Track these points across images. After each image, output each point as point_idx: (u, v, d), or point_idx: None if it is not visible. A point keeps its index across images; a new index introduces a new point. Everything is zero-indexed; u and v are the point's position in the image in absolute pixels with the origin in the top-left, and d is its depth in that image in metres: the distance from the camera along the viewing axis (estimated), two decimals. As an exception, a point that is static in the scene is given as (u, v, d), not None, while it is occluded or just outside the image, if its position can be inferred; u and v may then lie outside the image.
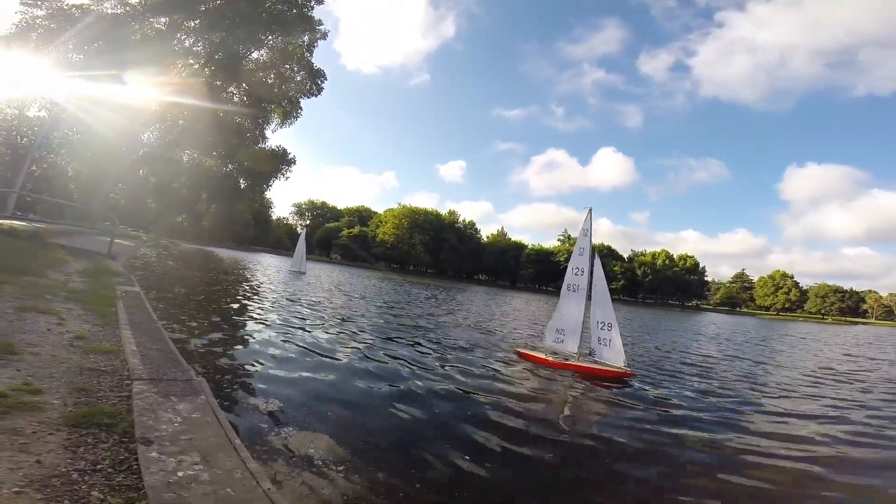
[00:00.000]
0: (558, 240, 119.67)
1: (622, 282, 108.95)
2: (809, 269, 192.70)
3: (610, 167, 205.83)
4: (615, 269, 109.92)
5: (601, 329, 10.47)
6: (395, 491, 3.89)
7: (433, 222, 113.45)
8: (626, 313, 43.36)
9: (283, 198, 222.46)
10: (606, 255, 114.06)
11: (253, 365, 7.05)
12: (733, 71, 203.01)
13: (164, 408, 3.31)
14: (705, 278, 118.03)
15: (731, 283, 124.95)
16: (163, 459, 2.58)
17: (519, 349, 11.44)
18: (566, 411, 7.43)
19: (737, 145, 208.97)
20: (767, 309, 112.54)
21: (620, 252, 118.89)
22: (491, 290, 72.00)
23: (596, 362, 10.22)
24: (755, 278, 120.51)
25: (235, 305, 13.49)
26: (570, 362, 10.38)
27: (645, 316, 45.53)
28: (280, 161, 35.57)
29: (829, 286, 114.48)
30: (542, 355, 10.68)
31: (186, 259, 31.44)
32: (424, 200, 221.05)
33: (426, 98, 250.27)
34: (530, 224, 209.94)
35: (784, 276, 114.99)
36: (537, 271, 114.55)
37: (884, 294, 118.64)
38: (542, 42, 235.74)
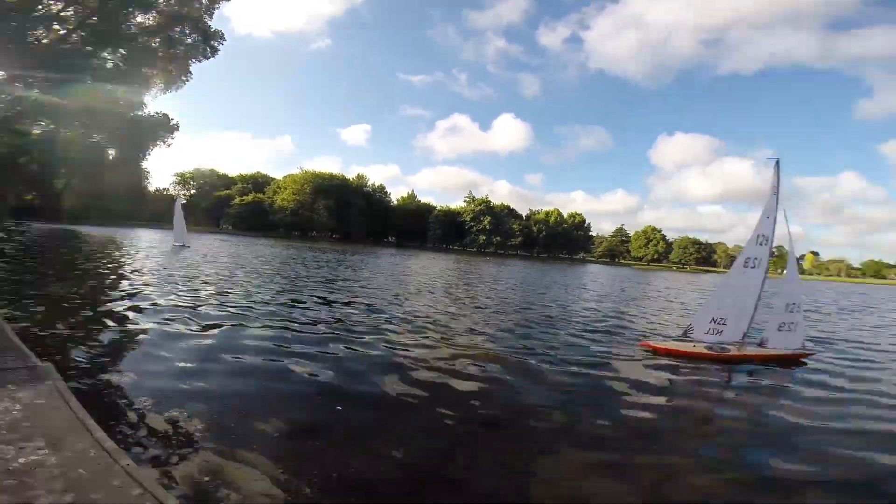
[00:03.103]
0: (464, 200, 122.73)
1: (520, 238, 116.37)
2: (673, 225, 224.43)
3: (509, 132, 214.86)
4: (514, 227, 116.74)
5: (789, 311, 8.79)
6: (269, 473, 3.70)
7: (339, 186, 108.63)
8: (540, 269, 47.08)
9: (166, 167, 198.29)
10: (506, 214, 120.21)
11: (115, 345, 6.93)
12: (622, 46, 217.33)
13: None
14: (590, 234, 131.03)
15: (611, 237, 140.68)
16: (0, 449, 2.53)
17: (647, 342, 9.33)
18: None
19: (619, 115, 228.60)
20: (640, 259, 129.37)
21: (519, 211, 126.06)
22: (405, 252, 72.22)
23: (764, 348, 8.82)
24: (631, 233, 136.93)
25: (100, 286, 12.61)
26: (734, 352, 8.73)
27: (555, 271, 49.52)
28: (160, 128, 31.06)
29: (689, 239, 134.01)
30: (686, 348, 8.80)
31: (39, 241, 29.06)
32: (326, 164, 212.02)
33: (327, 63, 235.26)
34: (436, 186, 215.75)
35: (654, 230, 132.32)
36: (444, 232, 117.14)
37: (730, 246, 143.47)
38: (449, 8, 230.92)
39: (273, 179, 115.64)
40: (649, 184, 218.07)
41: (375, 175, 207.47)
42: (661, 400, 6.66)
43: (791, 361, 8.83)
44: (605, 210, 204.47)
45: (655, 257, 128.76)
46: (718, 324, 8.88)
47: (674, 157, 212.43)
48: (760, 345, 8.96)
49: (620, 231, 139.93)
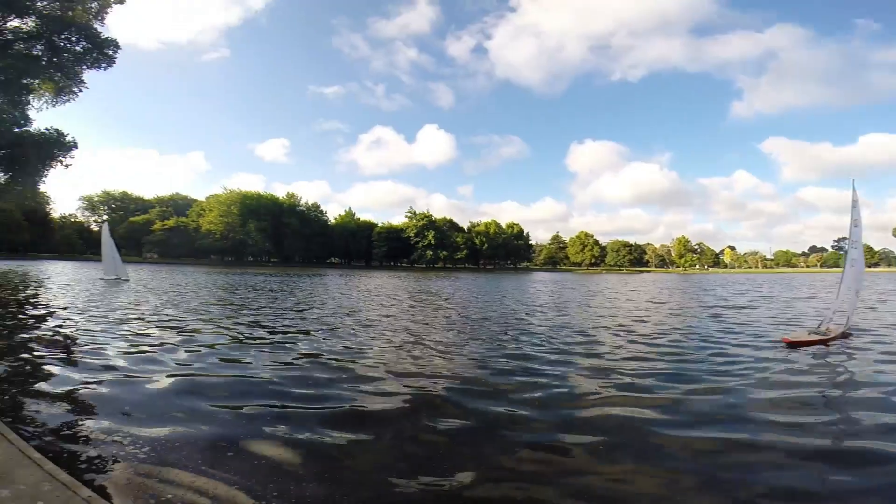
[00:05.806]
0: (406, 216, 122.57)
1: (465, 251, 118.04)
2: (601, 229, 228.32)
3: (434, 144, 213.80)
4: (458, 240, 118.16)
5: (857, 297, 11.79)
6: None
7: (269, 207, 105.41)
8: (507, 281, 46.47)
9: (67, 191, 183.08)
10: (449, 227, 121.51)
11: (65, 386, 5.90)
12: (522, 54, 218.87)
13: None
14: (529, 242, 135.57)
15: (549, 244, 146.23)
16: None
17: (786, 338, 10.59)
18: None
19: (530, 124, 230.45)
20: (579, 264, 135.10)
21: (458, 223, 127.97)
22: (357, 273, 69.59)
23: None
24: (566, 239, 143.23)
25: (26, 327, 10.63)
26: (832, 335, 10.74)
27: (525, 282, 49.95)
28: (54, 146, 28.56)
29: (620, 242, 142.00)
30: (806, 337, 10.50)
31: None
32: (248, 183, 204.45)
33: (228, 74, 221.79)
34: (370, 203, 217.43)
35: (587, 235, 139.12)
36: (389, 249, 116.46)
37: (657, 245, 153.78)
38: (353, 17, 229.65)
39: (195, 201, 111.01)
40: (572, 191, 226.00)
41: (303, 193, 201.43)
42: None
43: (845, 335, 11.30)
44: (536, 218, 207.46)
45: (593, 261, 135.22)
46: (835, 314, 11.53)
47: (588, 163, 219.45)
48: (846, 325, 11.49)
49: (557, 238, 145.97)
